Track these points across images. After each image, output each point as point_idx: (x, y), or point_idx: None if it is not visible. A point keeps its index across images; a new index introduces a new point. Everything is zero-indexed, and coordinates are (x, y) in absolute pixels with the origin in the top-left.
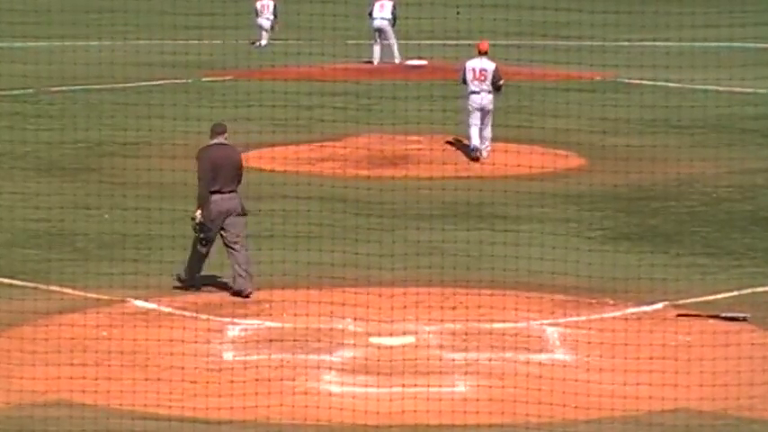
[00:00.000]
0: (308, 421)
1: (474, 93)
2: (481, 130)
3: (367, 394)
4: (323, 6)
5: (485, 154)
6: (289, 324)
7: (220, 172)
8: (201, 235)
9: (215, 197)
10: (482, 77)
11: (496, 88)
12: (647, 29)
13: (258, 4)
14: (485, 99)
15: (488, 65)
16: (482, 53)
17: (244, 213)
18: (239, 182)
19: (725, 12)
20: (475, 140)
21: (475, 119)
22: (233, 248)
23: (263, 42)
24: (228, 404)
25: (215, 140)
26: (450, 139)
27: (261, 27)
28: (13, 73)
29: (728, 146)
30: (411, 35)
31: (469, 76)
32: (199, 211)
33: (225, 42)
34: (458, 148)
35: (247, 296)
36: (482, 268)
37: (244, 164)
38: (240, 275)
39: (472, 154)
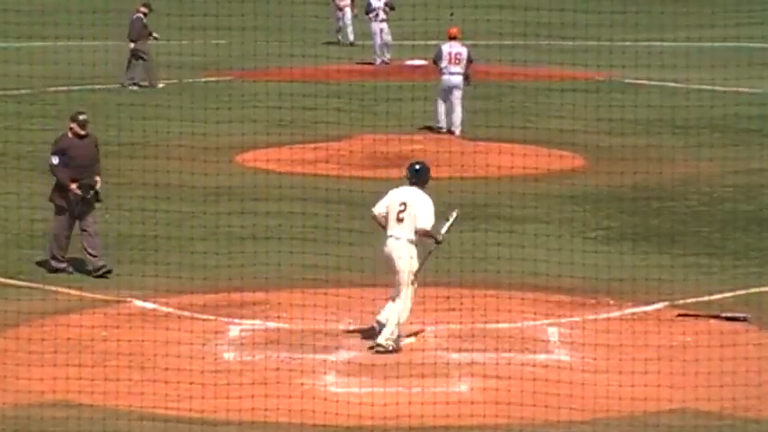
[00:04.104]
0: (308, 421)
1: (448, 74)
2: (450, 112)
3: (367, 394)
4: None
5: (457, 132)
6: (289, 324)
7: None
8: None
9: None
10: (457, 60)
11: (465, 76)
12: (650, 29)
13: None
14: (456, 79)
15: (462, 49)
16: (452, 38)
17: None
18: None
19: (727, 12)
20: (441, 116)
21: (443, 97)
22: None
23: (350, 37)
24: (228, 404)
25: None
26: (450, 139)
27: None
28: (12, 73)
29: (729, 146)
30: (410, 35)
31: (446, 58)
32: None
33: (226, 42)
34: (458, 149)
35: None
36: (483, 268)
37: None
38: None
39: (435, 128)
